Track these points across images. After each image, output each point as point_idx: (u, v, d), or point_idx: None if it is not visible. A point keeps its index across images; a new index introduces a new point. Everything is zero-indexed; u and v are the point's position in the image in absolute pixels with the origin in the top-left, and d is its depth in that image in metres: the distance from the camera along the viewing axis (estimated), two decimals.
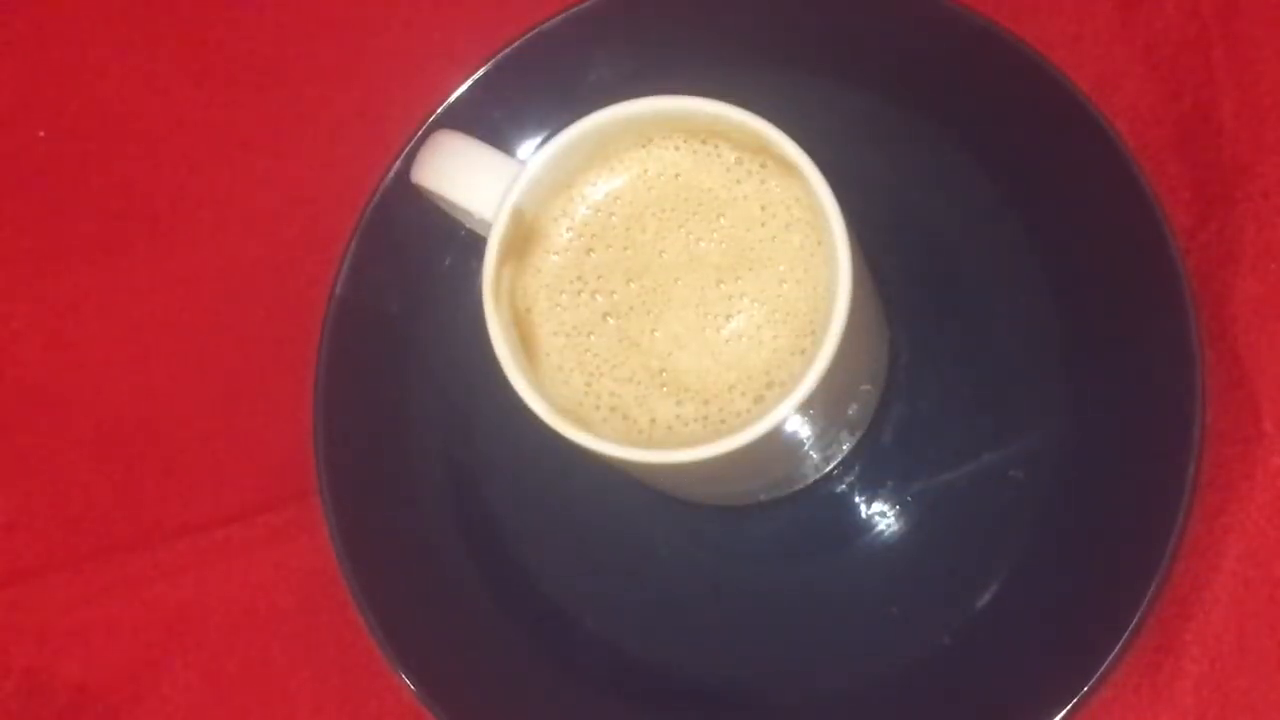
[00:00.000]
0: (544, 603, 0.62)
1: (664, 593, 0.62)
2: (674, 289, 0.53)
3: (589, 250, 0.54)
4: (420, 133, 0.61)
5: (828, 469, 0.61)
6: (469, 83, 0.62)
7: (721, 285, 0.52)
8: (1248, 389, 0.59)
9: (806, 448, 0.57)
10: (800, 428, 0.53)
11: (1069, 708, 0.55)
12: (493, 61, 0.62)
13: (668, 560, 0.62)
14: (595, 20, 0.62)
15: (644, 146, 0.54)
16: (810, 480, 0.61)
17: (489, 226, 0.52)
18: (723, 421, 0.52)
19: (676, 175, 0.54)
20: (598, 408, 0.53)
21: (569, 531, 0.62)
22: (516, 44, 0.62)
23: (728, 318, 0.52)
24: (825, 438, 0.57)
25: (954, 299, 0.62)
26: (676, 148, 0.54)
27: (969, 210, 0.61)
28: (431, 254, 0.63)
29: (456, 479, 0.63)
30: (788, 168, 0.52)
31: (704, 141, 0.53)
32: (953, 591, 0.59)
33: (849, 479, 0.62)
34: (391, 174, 0.62)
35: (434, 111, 0.62)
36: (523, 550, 0.62)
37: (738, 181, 0.53)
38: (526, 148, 0.63)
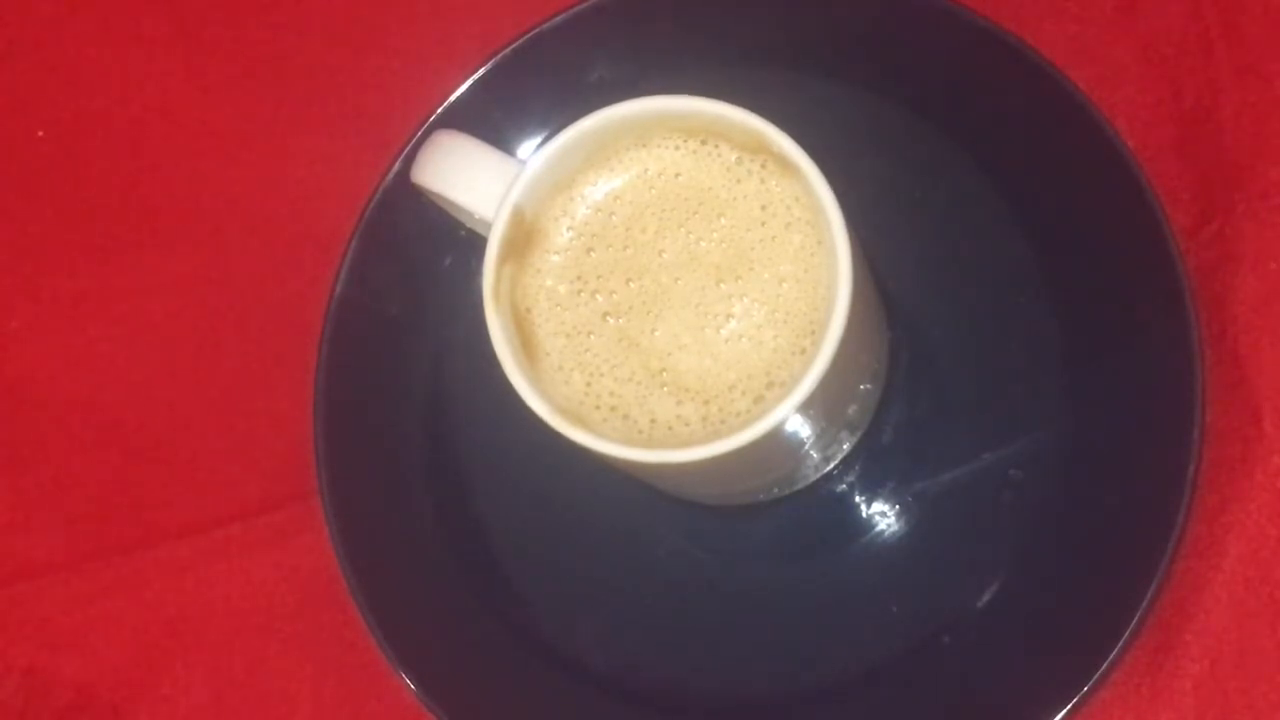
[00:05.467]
0: (544, 602, 0.62)
1: (663, 592, 0.62)
2: (674, 289, 0.53)
3: (589, 250, 0.54)
4: (420, 132, 0.61)
5: (828, 469, 0.61)
6: (469, 82, 0.62)
7: (721, 285, 0.52)
8: (1248, 389, 0.59)
9: (806, 447, 0.57)
10: (800, 428, 0.53)
11: (1069, 707, 0.55)
12: (493, 61, 0.62)
13: (667, 560, 0.62)
14: (595, 20, 0.61)
15: (644, 146, 0.54)
16: (810, 480, 0.61)
17: (489, 226, 0.52)
18: (723, 422, 0.52)
19: (677, 175, 0.54)
20: (598, 407, 0.53)
21: (568, 531, 0.62)
22: (517, 44, 0.62)
23: (728, 318, 0.52)
24: (825, 437, 0.58)
25: (954, 299, 0.62)
26: (676, 147, 0.54)
27: (969, 210, 0.61)
28: (432, 254, 0.63)
29: (455, 478, 0.63)
30: (788, 167, 0.52)
31: (704, 141, 0.53)
32: (953, 591, 0.59)
33: (849, 479, 0.62)
34: (392, 174, 0.62)
35: (434, 111, 0.62)
36: (522, 550, 0.62)
37: (738, 181, 0.53)
38: (527, 147, 0.63)
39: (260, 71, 0.70)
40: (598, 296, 0.53)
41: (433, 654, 0.60)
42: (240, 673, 0.65)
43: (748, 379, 0.52)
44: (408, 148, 0.61)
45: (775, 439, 0.51)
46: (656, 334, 0.53)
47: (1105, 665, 0.55)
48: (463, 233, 0.57)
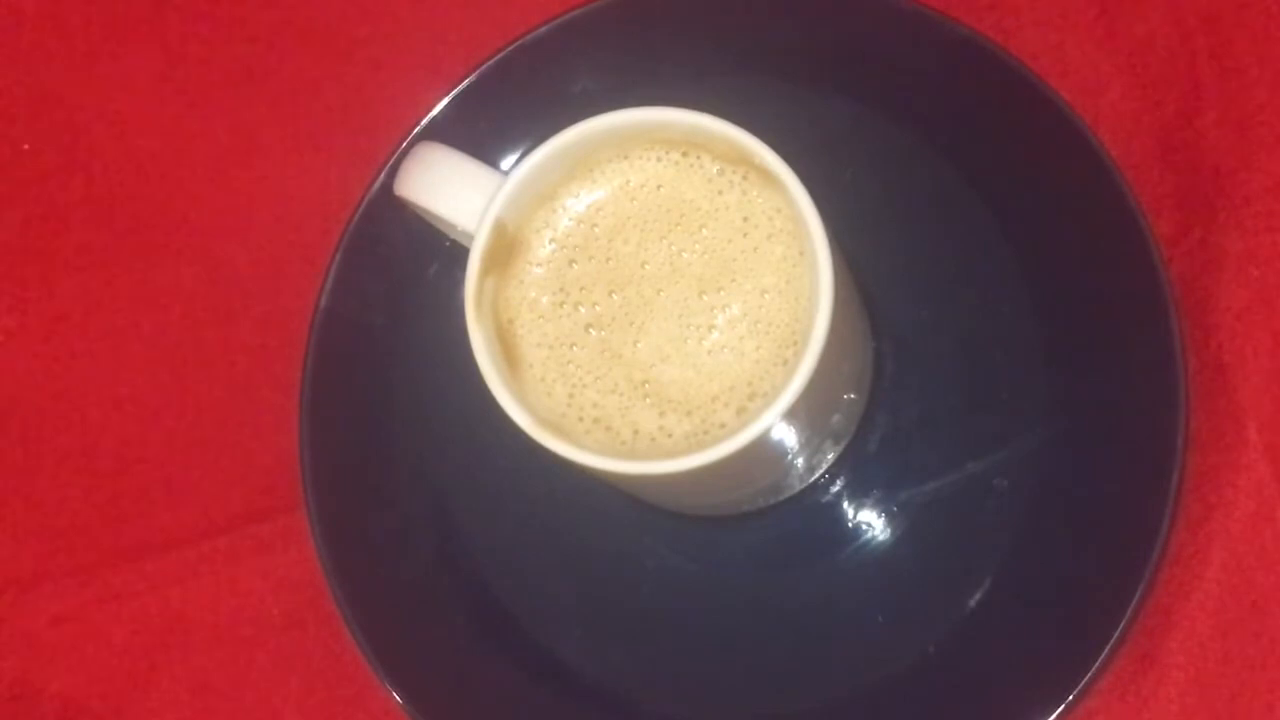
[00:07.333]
0: (530, 613, 0.62)
1: (649, 603, 0.62)
2: (656, 300, 0.53)
3: (571, 262, 0.54)
4: (404, 145, 0.61)
5: (813, 478, 0.61)
6: (452, 95, 0.62)
7: (704, 296, 0.52)
8: (1230, 396, 0.60)
9: (790, 457, 0.57)
10: (784, 437, 0.53)
11: (1054, 716, 0.55)
12: (476, 74, 0.62)
13: (653, 570, 0.62)
14: (578, 32, 0.61)
15: (625, 158, 0.54)
16: (796, 490, 0.61)
17: (472, 238, 0.52)
18: (706, 433, 0.52)
19: (658, 186, 0.54)
20: (580, 419, 0.53)
21: (553, 543, 0.62)
22: (499, 56, 0.62)
23: (710, 329, 0.52)
24: (809, 447, 0.58)
25: (938, 308, 0.62)
26: (658, 159, 0.54)
27: (952, 219, 0.61)
28: (417, 265, 0.63)
29: (441, 490, 0.63)
30: (769, 178, 0.52)
31: (685, 153, 0.53)
32: (938, 600, 0.59)
33: (834, 488, 0.62)
34: (376, 186, 0.62)
35: (418, 124, 0.62)
36: (508, 562, 0.62)
37: (719, 192, 0.53)
38: (510, 160, 0.63)
39: (244, 85, 0.70)
40: (580, 308, 0.53)
41: (419, 665, 0.60)
42: (227, 685, 0.65)
43: (730, 390, 0.52)
44: (391, 160, 0.61)
45: (759, 449, 0.51)
46: (639, 345, 0.53)
47: (1090, 673, 0.55)
48: (447, 243, 0.57)
